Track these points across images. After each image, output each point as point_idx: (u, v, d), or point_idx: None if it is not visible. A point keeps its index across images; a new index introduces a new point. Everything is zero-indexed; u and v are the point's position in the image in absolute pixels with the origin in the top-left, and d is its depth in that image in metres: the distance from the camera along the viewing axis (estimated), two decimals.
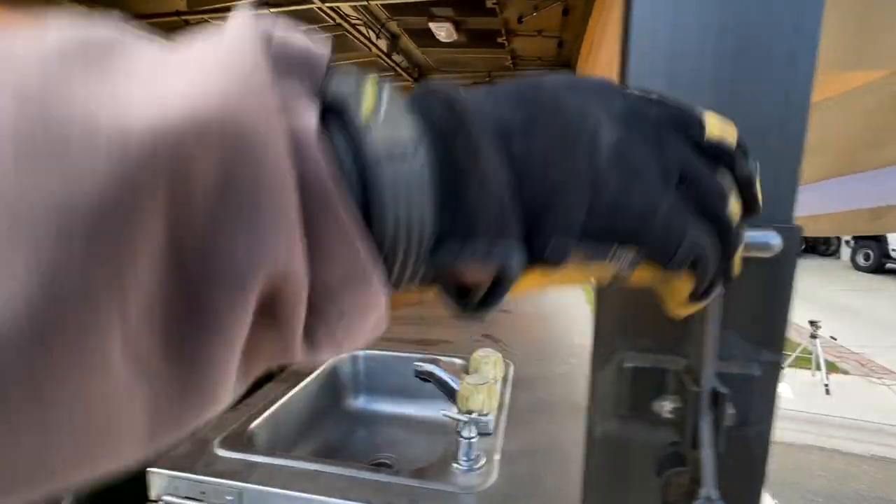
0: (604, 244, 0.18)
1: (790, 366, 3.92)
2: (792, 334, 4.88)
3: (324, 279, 0.14)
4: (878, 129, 0.58)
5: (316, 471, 0.62)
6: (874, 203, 0.61)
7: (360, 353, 1.04)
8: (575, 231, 0.17)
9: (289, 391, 0.86)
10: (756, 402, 0.34)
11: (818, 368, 3.74)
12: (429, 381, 0.77)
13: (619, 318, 0.36)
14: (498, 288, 0.17)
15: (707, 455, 0.30)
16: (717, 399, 0.31)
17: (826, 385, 3.62)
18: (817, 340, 3.80)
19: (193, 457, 0.65)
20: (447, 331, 1.21)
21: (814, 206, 0.69)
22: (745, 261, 0.25)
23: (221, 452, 0.66)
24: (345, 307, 0.15)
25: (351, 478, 0.60)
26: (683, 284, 0.21)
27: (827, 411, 3.44)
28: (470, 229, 0.16)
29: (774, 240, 0.29)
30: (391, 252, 0.15)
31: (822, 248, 8.82)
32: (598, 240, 0.17)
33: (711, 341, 0.31)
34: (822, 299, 6.51)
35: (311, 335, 0.15)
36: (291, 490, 0.58)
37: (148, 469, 0.63)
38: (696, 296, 0.21)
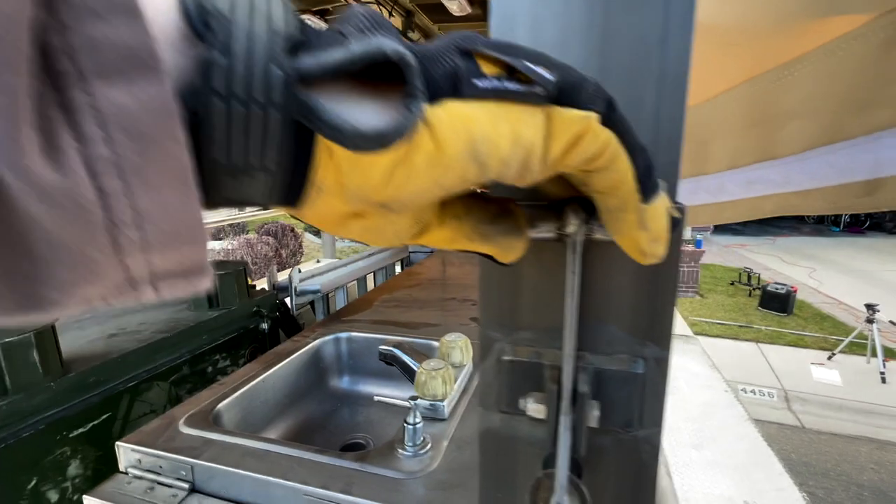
0: (503, 55, 0.16)
1: (842, 351, 3.65)
2: (846, 318, 4.52)
3: (71, 41, 0.10)
4: (869, 86, 0.49)
5: (265, 450, 0.63)
6: (867, 175, 0.53)
7: (344, 334, 1.06)
8: (471, 44, 0.16)
9: (267, 370, 0.89)
10: (643, 402, 0.31)
11: (874, 355, 3.46)
12: (392, 365, 0.77)
13: (501, 307, 0.34)
14: (408, 101, 0.14)
15: (562, 458, 0.28)
16: (576, 398, 0.28)
17: (882, 373, 3.35)
18: (874, 325, 3.50)
19: (158, 433, 0.69)
20: (436, 314, 1.20)
21: (802, 180, 0.61)
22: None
23: (184, 429, 0.69)
24: (100, 101, 0.11)
25: (295, 458, 0.61)
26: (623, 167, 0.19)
27: (881, 401, 3.18)
28: (338, 35, 0.14)
29: None
30: (225, 37, 0.12)
31: (888, 224, 8.03)
32: (496, 50, 0.16)
33: (570, 332, 0.28)
34: (884, 281, 5.96)
35: (52, 135, 0.10)
36: (237, 468, 0.60)
37: (117, 444, 0.67)
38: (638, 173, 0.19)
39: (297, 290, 1.57)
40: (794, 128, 0.53)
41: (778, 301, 4.82)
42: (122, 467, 0.67)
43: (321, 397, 1.00)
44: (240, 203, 0.15)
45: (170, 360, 1.12)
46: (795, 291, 4.84)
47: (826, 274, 6.49)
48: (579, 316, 0.30)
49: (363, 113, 0.14)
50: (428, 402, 0.68)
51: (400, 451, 0.62)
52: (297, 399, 0.94)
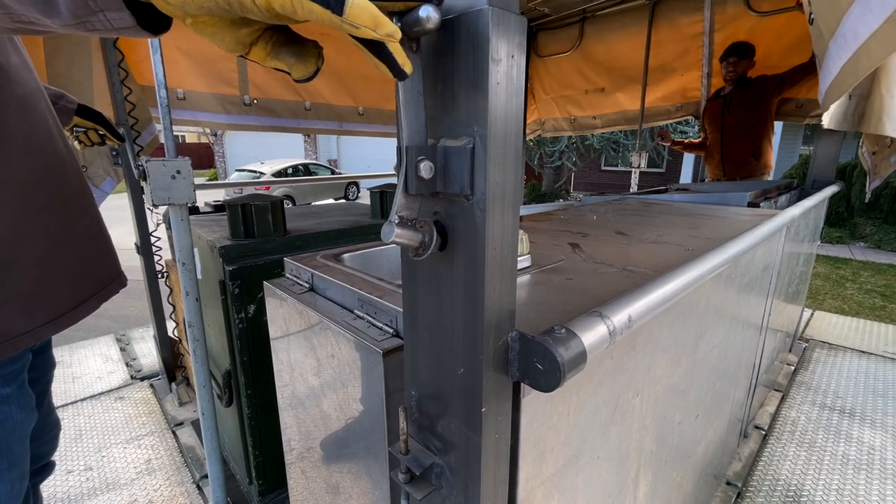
0: None
1: None
2: None
3: None
4: None
5: (351, 273, 0.91)
6: None
7: None
8: None
9: (387, 246, 1.18)
10: (473, 170, 0.42)
11: None
12: None
13: None
14: None
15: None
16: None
17: None
18: None
19: (308, 259, 1.05)
20: None
21: None
22: None
23: (319, 259, 1.03)
24: None
25: (365, 279, 0.87)
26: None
27: None
28: None
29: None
30: None
31: None
32: None
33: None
34: None
35: None
36: (332, 277, 0.89)
37: (284, 258, 1.07)
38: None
39: None
40: None
41: None
42: (286, 273, 1.06)
43: None
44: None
45: (343, 243, 1.56)
46: None
47: None
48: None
49: None
50: None
51: None
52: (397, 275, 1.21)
